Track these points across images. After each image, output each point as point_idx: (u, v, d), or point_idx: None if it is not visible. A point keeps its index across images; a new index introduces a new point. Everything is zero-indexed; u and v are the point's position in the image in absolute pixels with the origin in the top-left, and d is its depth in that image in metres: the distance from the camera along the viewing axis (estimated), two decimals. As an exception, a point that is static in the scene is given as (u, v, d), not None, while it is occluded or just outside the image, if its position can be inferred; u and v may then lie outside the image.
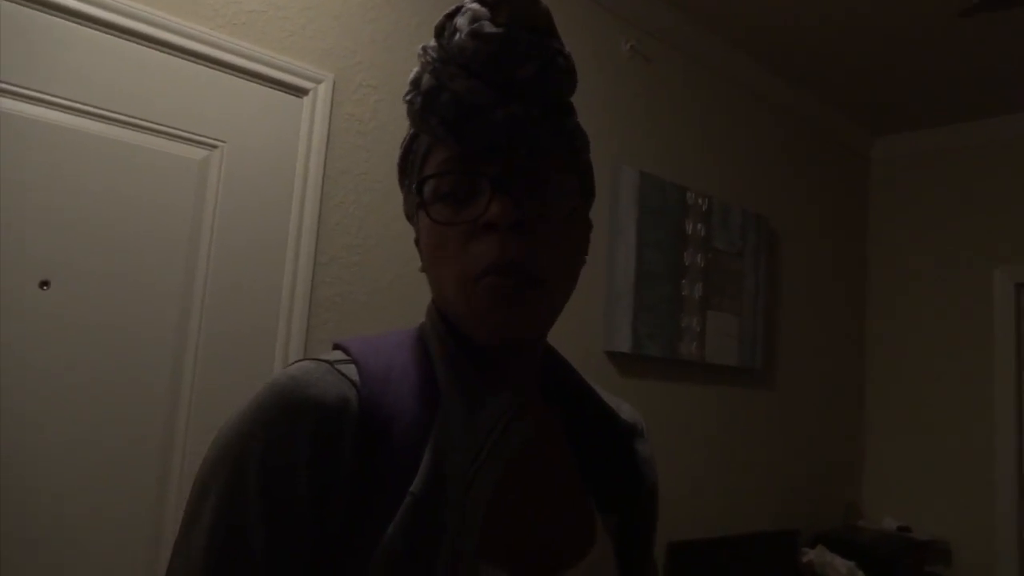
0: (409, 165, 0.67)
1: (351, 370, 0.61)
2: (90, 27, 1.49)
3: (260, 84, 1.72)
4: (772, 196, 3.27)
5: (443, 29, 0.62)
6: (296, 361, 0.62)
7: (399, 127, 1.97)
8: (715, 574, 2.61)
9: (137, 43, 1.55)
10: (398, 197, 1.96)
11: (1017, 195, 3.40)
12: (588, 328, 2.44)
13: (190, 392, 1.60)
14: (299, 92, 1.78)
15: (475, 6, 0.60)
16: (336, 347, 0.65)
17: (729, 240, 2.92)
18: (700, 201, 2.80)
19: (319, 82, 1.81)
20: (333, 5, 1.86)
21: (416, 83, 0.62)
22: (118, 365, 1.50)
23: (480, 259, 0.58)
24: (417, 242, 0.69)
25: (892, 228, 3.80)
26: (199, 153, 1.63)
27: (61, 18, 1.46)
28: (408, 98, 0.63)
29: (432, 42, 0.62)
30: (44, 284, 1.42)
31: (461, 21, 0.60)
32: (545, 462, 0.68)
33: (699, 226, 2.79)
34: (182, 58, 1.61)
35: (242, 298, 1.68)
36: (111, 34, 1.52)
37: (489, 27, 0.59)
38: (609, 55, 2.56)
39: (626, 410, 0.80)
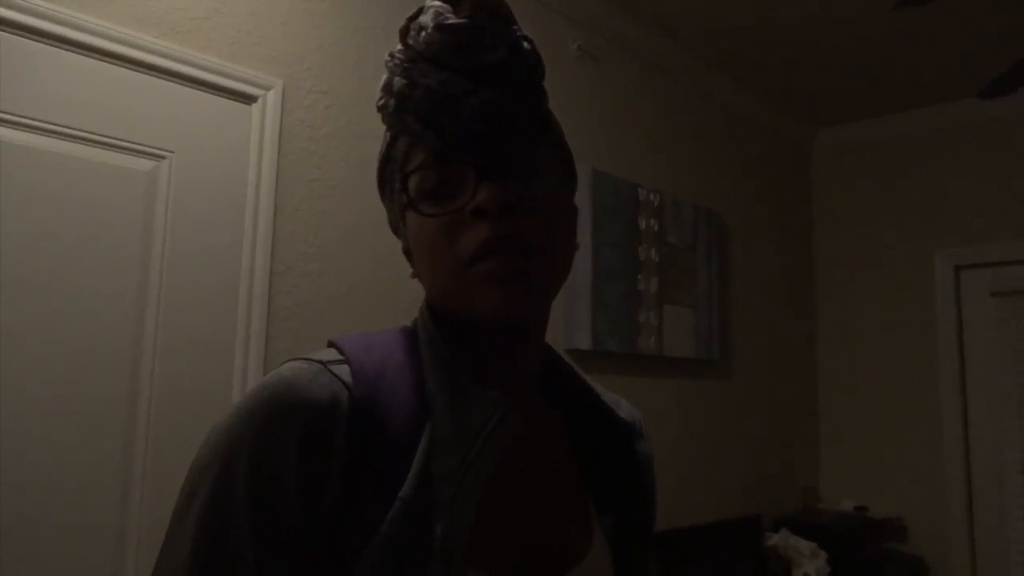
0: (389, 173, 0.66)
1: (343, 370, 0.60)
2: (29, 38, 1.45)
3: (208, 92, 1.69)
4: (722, 190, 3.34)
5: (407, 31, 0.62)
6: (287, 360, 0.61)
7: (351, 132, 1.95)
8: (682, 564, 2.65)
9: (79, 53, 1.51)
10: (354, 203, 1.94)
11: (953, 181, 3.53)
12: (548, 326, 2.45)
13: (148, 407, 1.56)
14: (248, 99, 1.76)
15: (437, 3, 0.61)
16: (331, 345, 0.64)
17: (682, 235, 2.97)
18: (652, 197, 2.84)
19: (268, 89, 1.78)
20: (279, 11, 1.84)
21: (387, 87, 0.62)
22: (72, 383, 1.46)
23: (473, 242, 0.58)
24: (406, 252, 0.68)
25: (836, 218, 3.90)
26: (147, 164, 1.60)
27: (-4, 29, 1.42)
28: (381, 103, 0.62)
29: (398, 46, 0.62)
30: (-10, 304, 1.37)
31: (425, 19, 0.60)
32: (543, 463, 0.67)
33: (652, 222, 2.83)
34: (126, 68, 1.57)
35: (198, 311, 1.65)
36: (51, 45, 1.47)
37: (453, 18, 0.59)
38: (557, 55, 2.58)
39: (624, 409, 0.80)
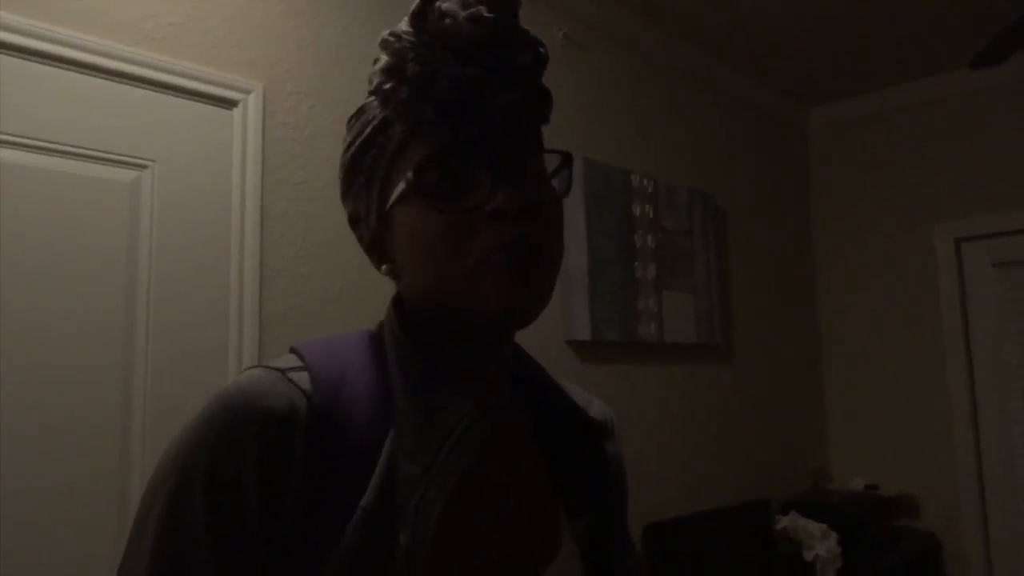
0: (370, 160, 0.63)
1: (302, 377, 0.59)
2: (2, 52, 1.43)
3: (187, 99, 1.67)
4: (716, 173, 3.31)
5: (424, 14, 0.59)
6: (247, 368, 0.60)
7: (335, 132, 1.93)
8: (692, 551, 2.63)
9: (52, 66, 1.49)
10: (341, 204, 1.92)
11: (950, 153, 3.49)
12: (546, 318, 2.43)
13: (142, 424, 1.54)
14: (228, 104, 1.74)
15: None
16: (292, 351, 0.63)
17: (677, 220, 2.94)
18: (645, 183, 2.81)
19: (248, 92, 1.76)
20: (255, 13, 1.82)
21: (394, 71, 0.59)
22: (63, 401, 1.44)
23: (489, 243, 0.57)
24: (369, 246, 0.66)
25: (833, 196, 3.87)
26: (129, 175, 1.58)
27: (-33, 45, 1.40)
28: (387, 87, 0.59)
29: (404, 27, 0.60)
30: (-26, 324, 1.35)
31: (451, 6, 0.58)
32: (510, 467, 0.66)
33: (647, 208, 2.80)
34: (102, 78, 1.55)
35: (188, 320, 1.63)
36: (23, 58, 1.45)
37: (485, 11, 0.58)
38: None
39: (596, 408, 0.79)
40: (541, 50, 0.62)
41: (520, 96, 0.59)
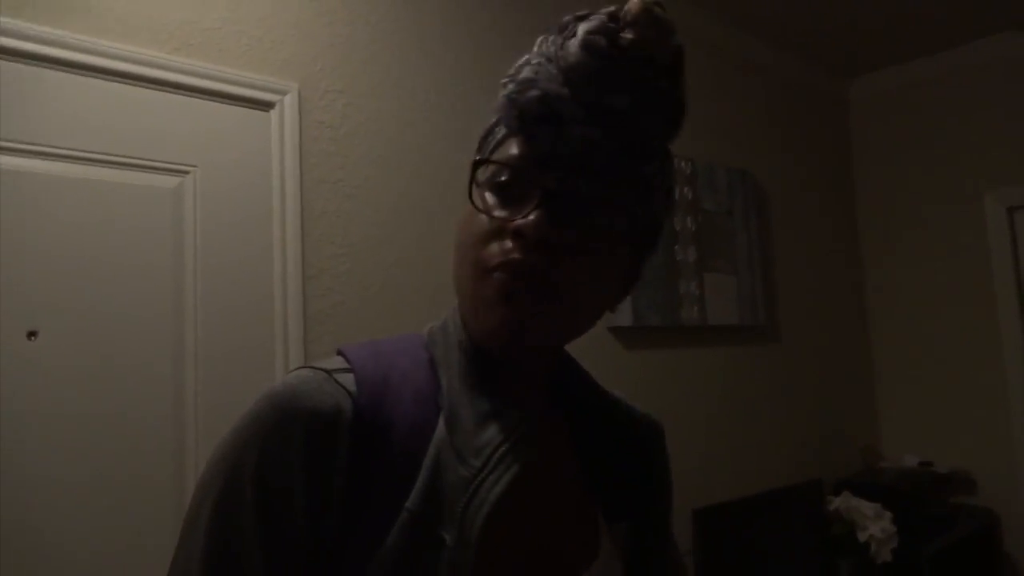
0: (484, 144, 0.66)
1: (348, 379, 0.60)
2: (44, 66, 1.46)
3: (224, 103, 1.69)
4: (755, 151, 3.25)
5: (565, 28, 0.60)
6: (295, 369, 0.61)
7: (370, 129, 1.94)
8: (743, 534, 2.61)
9: (94, 77, 1.52)
10: (379, 200, 1.93)
11: (999, 119, 3.37)
12: (587, 306, 2.42)
13: (194, 422, 1.58)
14: (265, 106, 1.75)
15: (604, 17, 0.59)
16: (338, 353, 0.64)
17: (717, 201, 2.90)
18: (684, 165, 2.77)
19: (284, 93, 1.78)
20: (289, 13, 1.83)
21: (519, 69, 0.61)
22: (117, 406, 1.48)
23: (497, 254, 0.58)
24: None
25: (878, 168, 3.77)
26: (171, 181, 1.60)
27: (14, 62, 1.43)
28: (504, 81, 0.61)
29: (553, 36, 0.61)
30: (32, 335, 1.39)
31: (583, 27, 0.58)
32: (549, 472, 0.66)
33: (686, 190, 2.77)
34: (141, 87, 1.58)
35: (234, 321, 1.66)
36: (65, 71, 1.48)
37: (602, 43, 0.57)
38: (574, 29, 2.52)
39: (639, 415, 0.79)
40: (661, 102, 0.59)
41: (597, 135, 0.57)
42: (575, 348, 0.74)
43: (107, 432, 1.46)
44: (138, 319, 1.53)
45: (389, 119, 1.98)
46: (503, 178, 0.60)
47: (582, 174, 0.57)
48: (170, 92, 1.61)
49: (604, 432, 0.72)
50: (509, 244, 0.57)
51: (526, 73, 0.59)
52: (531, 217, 0.56)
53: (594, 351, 2.35)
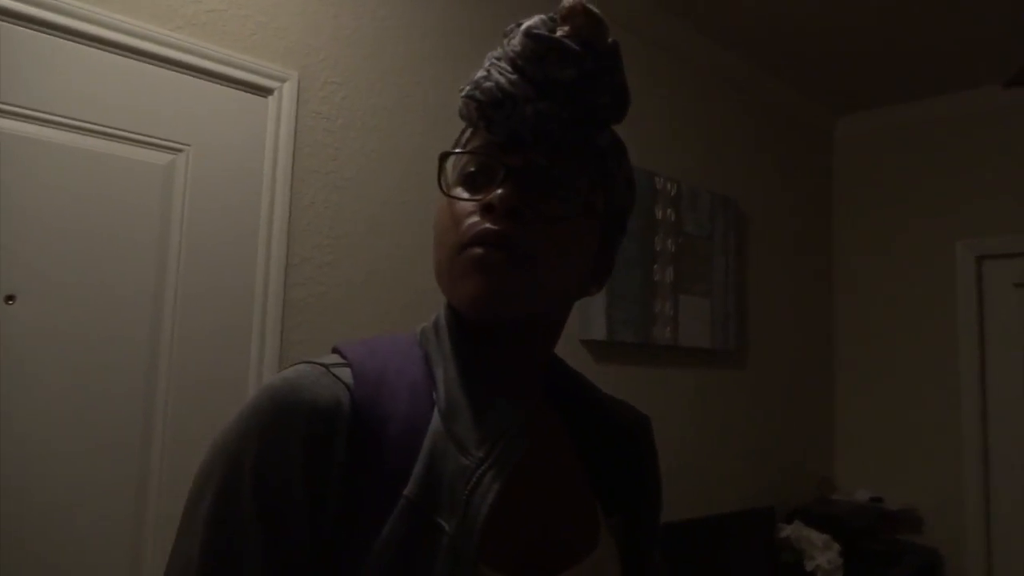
0: (454, 147, 0.71)
1: (345, 373, 0.61)
2: (47, 32, 1.45)
3: (223, 85, 1.69)
4: (739, 178, 3.30)
5: (509, 32, 0.66)
6: (293, 364, 0.63)
7: (366, 123, 1.95)
8: (695, 556, 2.66)
9: (95, 47, 1.51)
10: (369, 194, 1.94)
11: (975, 170, 3.47)
12: (563, 317, 2.45)
13: (165, 398, 1.58)
14: (264, 92, 1.76)
15: (543, 16, 0.65)
16: (335, 350, 0.66)
17: (698, 224, 2.95)
18: (669, 186, 2.81)
19: (283, 81, 1.78)
20: (296, 2, 1.83)
21: (473, 76, 0.66)
22: (91, 375, 1.48)
23: (470, 230, 0.61)
24: None
25: (856, 206, 3.86)
26: (164, 158, 1.60)
27: (15, 24, 1.42)
28: (461, 87, 0.67)
29: (501, 43, 0.67)
30: (9, 299, 1.39)
31: (524, 25, 0.64)
32: (547, 465, 0.69)
33: (668, 211, 2.81)
34: (142, 61, 1.57)
35: (214, 303, 1.66)
36: (68, 39, 1.48)
37: (542, 30, 0.63)
38: (574, 43, 2.55)
39: (631, 411, 0.82)
40: (606, 78, 0.65)
41: (550, 108, 0.62)
42: (557, 365, 0.76)
43: (77, 400, 1.46)
44: (118, 292, 1.52)
45: (386, 115, 1.99)
46: (471, 169, 0.65)
47: (541, 149, 0.63)
48: (169, 69, 1.61)
49: (597, 427, 0.76)
50: (476, 221, 0.61)
51: (479, 74, 0.65)
52: (497, 192, 0.61)
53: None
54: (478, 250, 0.60)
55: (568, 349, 2.46)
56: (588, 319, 2.50)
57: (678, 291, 2.82)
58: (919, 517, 3.44)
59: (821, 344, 3.77)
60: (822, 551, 2.83)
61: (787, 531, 2.95)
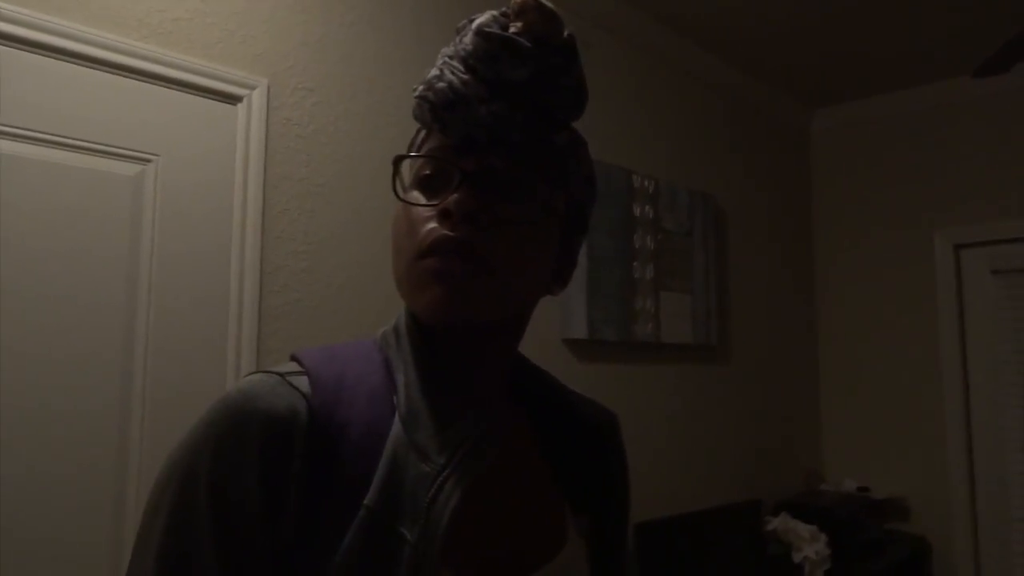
0: (409, 150, 0.69)
1: (302, 382, 0.60)
2: (7, 45, 1.44)
3: (191, 94, 1.68)
4: (717, 174, 3.32)
5: (461, 29, 0.64)
6: (248, 374, 0.62)
7: (338, 129, 1.95)
8: (683, 550, 2.66)
9: (60, 59, 1.50)
10: (342, 200, 1.94)
11: (952, 160, 3.50)
12: (544, 317, 2.45)
13: (141, 412, 1.56)
14: (232, 99, 1.75)
15: (494, 12, 0.63)
16: (292, 358, 0.65)
17: (677, 221, 2.96)
18: (647, 183, 2.82)
19: (253, 88, 1.77)
20: (262, 9, 1.83)
21: (426, 76, 0.65)
22: (63, 391, 1.46)
23: (428, 237, 0.60)
24: None
25: (834, 198, 3.88)
26: (132, 168, 1.59)
27: (-25, 38, 1.41)
28: (414, 87, 0.65)
29: (453, 40, 0.65)
30: (-23, 314, 1.37)
31: (476, 22, 0.62)
32: (513, 467, 0.68)
33: (647, 208, 2.82)
34: (108, 72, 1.56)
35: (188, 313, 1.65)
36: (31, 52, 1.47)
37: (494, 28, 0.61)
38: (547, 43, 2.56)
39: (598, 409, 0.81)
40: (561, 77, 0.63)
41: (504, 109, 0.60)
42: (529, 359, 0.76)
43: (49, 417, 1.44)
44: (89, 305, 1.51)
45: (357, 120, 1.99)
46: (427, 172, 0.63)
47: (497, 151, 0.61)
48: (136, 79, 1.60)
49: (564, 427, 0.74)
50: (433, 227, 0.60)
51: (432, 73, 0.63)
52: (454, 196, 0.59)
53: (547, 362, 2.38)
54: (436, 258, 0.59)
55: (550, 349, 2.46)
56: (569, 318, 2.51)
57: (659, 288, 2.83)
58: (906, 505, 3.47)
59: (804, 336, 3.79)
60: (809, 543, 2.84)
61: (774, 524, 2.96)
